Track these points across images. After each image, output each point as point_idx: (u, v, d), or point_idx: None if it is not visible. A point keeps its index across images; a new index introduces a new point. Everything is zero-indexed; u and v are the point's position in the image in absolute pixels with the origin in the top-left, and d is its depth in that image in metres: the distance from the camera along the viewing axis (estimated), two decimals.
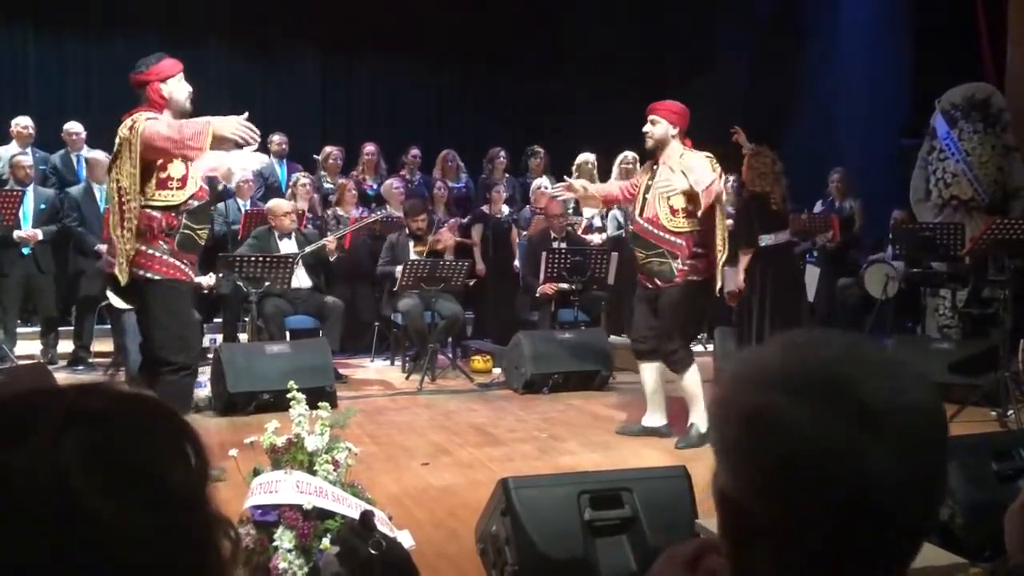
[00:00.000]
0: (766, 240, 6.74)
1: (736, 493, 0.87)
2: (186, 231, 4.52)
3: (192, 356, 4.72)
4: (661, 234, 5.37)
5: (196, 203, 4.55)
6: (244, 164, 4.87)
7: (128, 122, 4.41)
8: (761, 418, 0.83)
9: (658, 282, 5.42)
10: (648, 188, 5.46)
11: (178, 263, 4.52)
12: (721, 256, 5.38)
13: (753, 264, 6.65)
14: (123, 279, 4.42)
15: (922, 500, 0.84)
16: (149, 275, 4.47)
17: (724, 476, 0.88)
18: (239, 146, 4.46)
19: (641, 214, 5.48)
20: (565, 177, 6.31)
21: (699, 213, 5.29)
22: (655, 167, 5.47)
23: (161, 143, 4.32)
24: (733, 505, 0.87)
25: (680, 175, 5.24)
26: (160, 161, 4.41)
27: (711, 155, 5.38)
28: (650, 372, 5.63)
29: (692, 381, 5.46)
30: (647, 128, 5.43)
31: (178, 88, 4.53)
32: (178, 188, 4.46)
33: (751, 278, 6.75)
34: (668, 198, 5.33)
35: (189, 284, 4.69)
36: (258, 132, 4.45)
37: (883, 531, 0.82)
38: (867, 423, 0.80)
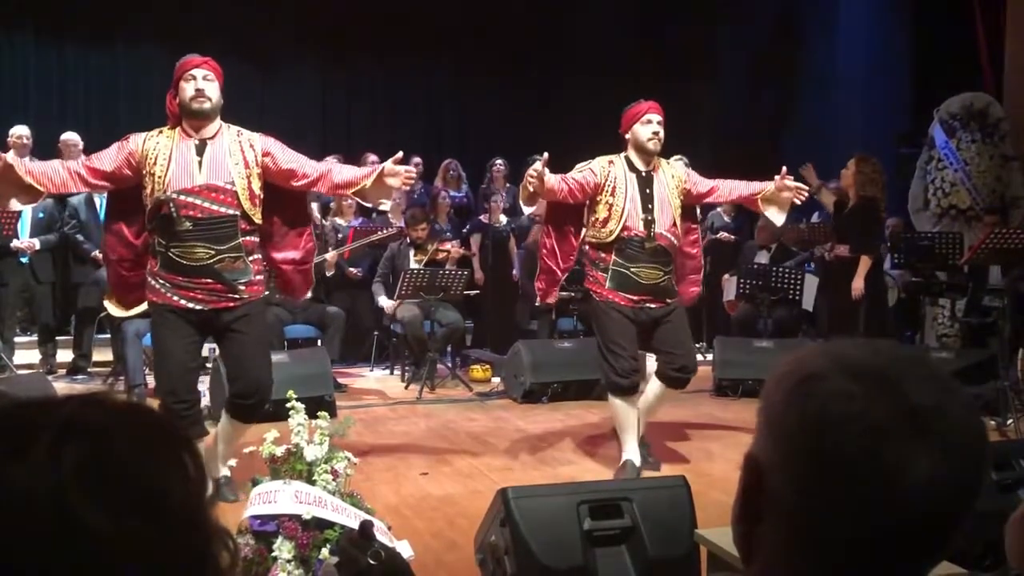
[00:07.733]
0: None
1: (765, 459, 0.87)
2: (160, 249, 4.15)
3: (169, 394, 4.12)
4: (680, 248, 5.02)
5: (155, 220, 4.14)
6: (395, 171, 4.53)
7: None
8: (810, 382, 0.84)
9: (667, 300, 4.94)
10: (649, 197, 4.80)
11: (155, 283, 4.18)
12: None
13: (846, 274, 6.59)
14: None
15: (954, 507, 0.83)
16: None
17: (757, 442, 0.89)
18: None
19: (655, 226, 4.80)
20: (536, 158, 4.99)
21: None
22: (651, 173, 4.85)
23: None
24: (758, 474, 0.87)
25: (692, 179, 5.02)
26: (118, 188, 4.25)
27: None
28: (630, 410, 4.90)
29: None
30: (658, 129, 4.79)
31: (183, 89, 4.20)
32: (147, 209, 4.20)
33: (839, 289, 6.65)
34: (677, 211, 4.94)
35: (170, 308, 4.14)
36: (413, 172, 4.66)
37: (905, 530, 0.82)
38: (915, 420, 0.81)
